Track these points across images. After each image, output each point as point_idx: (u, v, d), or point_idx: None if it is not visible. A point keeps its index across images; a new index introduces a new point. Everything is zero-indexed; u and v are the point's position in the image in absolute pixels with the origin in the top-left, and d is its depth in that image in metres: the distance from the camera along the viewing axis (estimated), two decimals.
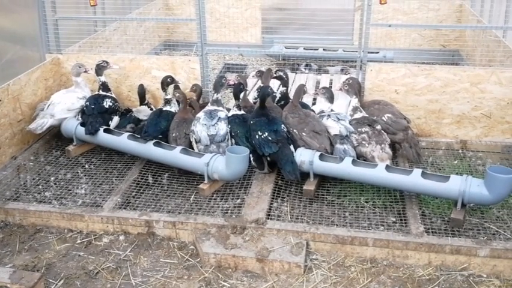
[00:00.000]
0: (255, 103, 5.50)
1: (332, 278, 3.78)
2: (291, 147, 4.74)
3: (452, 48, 8.78)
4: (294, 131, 4.88)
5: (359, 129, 4.91)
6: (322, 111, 5.21)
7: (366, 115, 5.14)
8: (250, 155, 4.73)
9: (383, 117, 5.16)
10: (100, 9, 7.48)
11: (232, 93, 5.34)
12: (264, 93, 4.91)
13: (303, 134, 4.82)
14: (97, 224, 4.34)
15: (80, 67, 5.67)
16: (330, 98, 5.26)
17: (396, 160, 5.16)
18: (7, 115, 5.21)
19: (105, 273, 3.86)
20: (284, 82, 5.61)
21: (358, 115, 5.13)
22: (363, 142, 4.84)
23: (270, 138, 4.65)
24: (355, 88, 5.29)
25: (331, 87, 6.71)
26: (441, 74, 5.43)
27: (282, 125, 4.81)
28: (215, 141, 4.84)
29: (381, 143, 4.82)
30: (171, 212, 4.40)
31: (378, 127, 4.96)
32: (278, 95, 5.65)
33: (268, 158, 4.79)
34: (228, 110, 5.19)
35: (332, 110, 5.20)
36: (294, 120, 4.94)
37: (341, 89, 5.38)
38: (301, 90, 5.18)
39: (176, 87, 5.55)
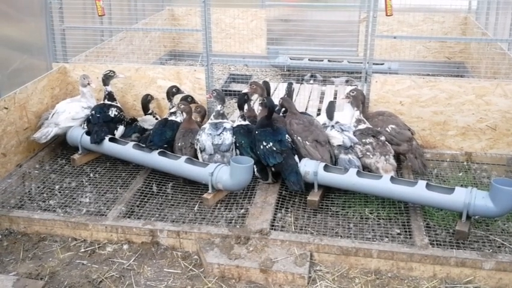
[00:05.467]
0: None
1: None
2: (295, 157, 4.74)
3: (457, 60, 8.79)
4: (298, 138, 4.88)
5: (364, 140, 4.91)
6: (325, 123, 5.22)
7: (370, 126, 5.14)
8: (254, 166, 4.73)
9: (387, 128, 5.16)
10: (106, 19, 7.54)
11: (236, 104, 5.36)
12: (272, 104, 4.93)
13: (307, 142, 4.83)
14: (101, 232, 4.34)
15: (84, 78, 5.71)
16: (328, 114, 5.23)
17: (401, 172, 5.15)
18: (13, 123, 5.24)
19: (108, 282, 3.86)
20: (288, 94, 5.63)
21: (362, 126, 5.13)
22: (368, 153, 4.83)
23: (274, 149, 4.66)
24: (358, 100, 5.29)
25: (335, 98, 6.73)
26: (446, 86, 5.44)
27: (287, 135, 4.81)
28: (220, 150, 4.85)
29: (386, 154, 4.82)
30: (175, 222, 4.40)
31: (383, 138, 4.96)
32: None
33: (273, 169, 4.79)
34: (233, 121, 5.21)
35: (337, 122, 5.19)
36: (299, 127, 4.95)
37: (347, 97, 5.36)
38: (290, 101, 5.31)
39: (184, 98, 5.57)
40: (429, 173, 5.19)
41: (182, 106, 5.33)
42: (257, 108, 5.72)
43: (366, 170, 4.81)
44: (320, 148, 4.81)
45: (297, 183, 4.52)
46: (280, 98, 5.42)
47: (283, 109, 5.62)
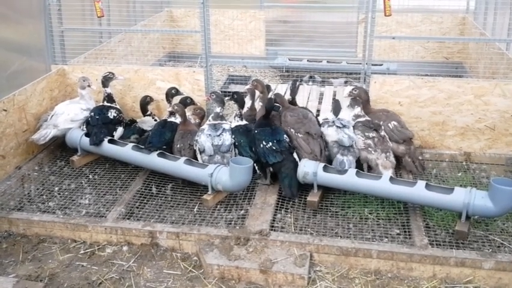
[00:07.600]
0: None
1: None
2: (295, 155, 4.76)
3: (455, 60, 8.79)
4: (291, 130, 4.94)
5: (366, 134, 4.91)
6: (326, 118, 5.21)
7: (369, 119, 5.13)
8: (255, 164, 4.75)
9: (389, 124, 5.17)
10: (105, 21, 7.54)
11: (235, 105, 5.36)
12: (272, 105, 4.96)
13: (299, 134, 4.87)
14: (101, 234, 4.34)
15: (84, 81, 5.71)
16: (334, 110, 5.25)
17: (400, 172, 5.15)
18: (12, 125, 5.24)
19: (108, 284, 3.85)
20: (292, 91, 5.65)
21: (362, 119, 5.12)
22: (369, 149, 4.83)
23: (274, 148, 4.68)
24: (358, 101, 5.28)
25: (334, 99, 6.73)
26: (445, 86, 5.44)
27: (284, 135, 4.83)
28: (220, 151, 4.86)
29: (386, 151, 4.83)
30: (175, 223, 4.39)
31: (382, 133, 4.96)
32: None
33: (271, 169, 4.80)
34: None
35: (339, 118, 5.17)
36: (292, 119, 5.02)
37: (350, 95, 5.36)
38: (282, 96, 5.38)
39: (184, 100, 5.57)
40: (429, 173, 5.20)
41: (176, 108, 5.28)
42: (257, 105, 5.74)
43: (365, 164, 4.83)
44: (311, 141, 4.84)
45: (289, 190, 4.61)
46: (273, 94, 5.43)
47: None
